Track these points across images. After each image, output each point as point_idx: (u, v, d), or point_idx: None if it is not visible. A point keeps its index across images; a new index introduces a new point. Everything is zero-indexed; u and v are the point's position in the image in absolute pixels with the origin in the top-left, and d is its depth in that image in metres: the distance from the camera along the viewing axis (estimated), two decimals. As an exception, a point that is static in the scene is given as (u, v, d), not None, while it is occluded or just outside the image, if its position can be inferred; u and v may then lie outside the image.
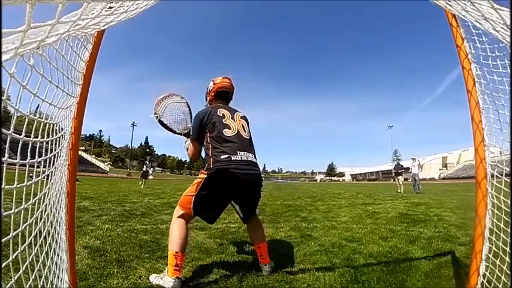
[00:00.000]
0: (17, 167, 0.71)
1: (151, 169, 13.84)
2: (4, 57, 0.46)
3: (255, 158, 1.92)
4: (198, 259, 2.16)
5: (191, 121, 2.22)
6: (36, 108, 0.82)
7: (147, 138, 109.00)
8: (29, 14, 0.42)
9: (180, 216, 1.79)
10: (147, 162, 14.24)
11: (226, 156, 1.77)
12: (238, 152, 1.80)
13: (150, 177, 13.27)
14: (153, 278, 1.69)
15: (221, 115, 1.93)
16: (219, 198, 1.82)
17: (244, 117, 2.06)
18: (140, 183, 13.03)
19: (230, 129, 1.88)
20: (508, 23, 0.66)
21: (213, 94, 2.10)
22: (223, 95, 2.11)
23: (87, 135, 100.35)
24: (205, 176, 1.76)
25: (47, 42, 0.55)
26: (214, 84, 2.10)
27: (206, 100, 2.20)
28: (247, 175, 1.79)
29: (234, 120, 1.95)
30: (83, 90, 1.10)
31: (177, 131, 2.22)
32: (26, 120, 0.74)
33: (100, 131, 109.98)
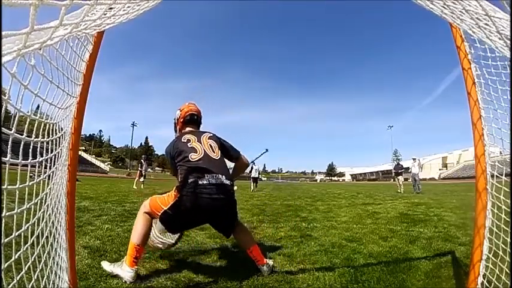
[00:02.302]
0: (19, 167, 0.72)
1: (145, 170, 13.74)
2: (6, 58, 0.46)
3: (227, 178, 1.86)
4: (198, 259, 2.17)
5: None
6: (37, 108, 0.82)
7: (147, 138, 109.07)
8: (33, 17, 0.42)
9: (146, 213, 1.83)
10: (142, 161, 14.22)
11: (192, 180, 1.74)
12: (205, 175, 1.76)
13: (142, 179, 13.22)
14: (108, 266, 1.73)
15: (185, 141, 1.93)
16: (186, 221, 1.84)
17: (213, 137, 2.02)
18: (135, 184, 12.96)
19: (196, 152, 1.86)
20: (502, 31, 0.66)
21: (181, 120, 2.12)
22: (191, 119, 2.12)
23: (87, 135, 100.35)
24: (176, 199, 1.76)
25: (49, 43, 0.55)
26: (180, 111, 2.14)
27: (176, 131, 2.19)
28: (215, 200, 1.75)
29: (200, 142, 1.92)
30: (83, 90, 1.10)
31: (180, 235, 2.15)
32: (28, 120, 0.74)
33: (100, 131, 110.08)
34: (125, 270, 1.67)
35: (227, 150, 2.04)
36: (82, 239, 2.53)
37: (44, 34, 0.52)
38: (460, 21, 0.84)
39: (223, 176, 1.83)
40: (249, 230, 2.09)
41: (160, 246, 2.05)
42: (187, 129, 2.10)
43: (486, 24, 0.70)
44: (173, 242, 2.08)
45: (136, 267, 1.71)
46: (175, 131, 2.20)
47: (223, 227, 1.97)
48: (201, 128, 2.21)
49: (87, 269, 1.80)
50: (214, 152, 1.92)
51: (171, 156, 1.91)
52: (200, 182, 1.73)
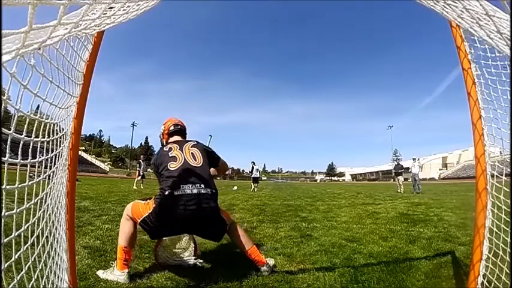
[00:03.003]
0: (18, 167, 0.72)
1: (143, 170, 13.87)
2: (5, 57, 0.46)
3: (207, 186, 1.82)
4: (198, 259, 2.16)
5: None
6: (37, 108, 0.82)
7: (147, 138, 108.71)
8: (31, 16, 0.42)
9: (129, 217, 1.83)
10: (141, 161, 14.31)
11: (169, 192, 1.73)
12: (181, 186, 1.75)
13: (139, 178, 13.31)
14: (102, 273, 1.74)
15: (167, 149, 1.96)
16: (164, 231, 1.84)
17: (196, 145, 2.02)
18: (134, 184, 13.04)
19: (176, 160, 1.86)
20: (502, 31, 0.66)
21: (166, 133, 2.20)
22: (175, 129, 2.18)
23: (87, 135, 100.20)
24: (152, 209, 1.75)
25: (48, 43, 0.55)
26: (164, 125, 2.23)
27: (162, 145, 2.21)
28: (189, 211, 1.73)
29: (182, 150, 1.93)
30: (83, 90, 1.10)
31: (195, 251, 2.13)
32: (27, 120, 0.74)
33: (100, 131, 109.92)
34: (116, 275, 1.69)
35: (209, 156, 2.05)
36: (82, 239, 2.53)
37: (43, 33, 0.52)
38: (460, 19, 0.84)
39: (202, 185, 1.81)
40: (245, 231, 2.06)
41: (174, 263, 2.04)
42: (172, 139, 2.14)
43: (486, 23, 0.70)
44: (189, 260, 2.06)
45: (127, 269, 1.73)
46: (162, 145, 2.23)
47: (207, 236, 1.97)
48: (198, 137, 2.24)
49: (87, 269, 1.81)
50: (195, 160, 1.91)
51: (156, 166, 1.94)
52: (176, 193, 1.73)
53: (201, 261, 2.06)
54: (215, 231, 1.92)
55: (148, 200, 1.84)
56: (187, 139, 2.19)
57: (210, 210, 1.82)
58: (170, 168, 1.83)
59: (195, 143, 2.06)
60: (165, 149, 1.99)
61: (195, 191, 1.77)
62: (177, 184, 1.76)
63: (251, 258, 1.91)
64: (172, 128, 2.18)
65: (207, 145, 2.20)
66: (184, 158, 1.89)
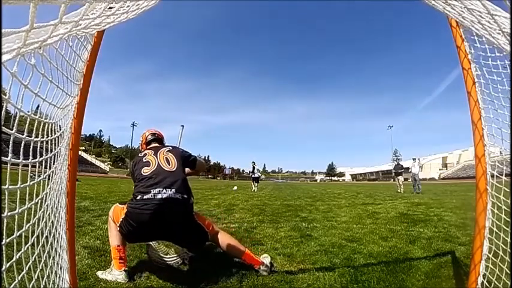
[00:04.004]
0: (20, 167, 0.71)
1: None
2: (6, 56, 0.46)
3: (178, 191, 1.79)
4: (198, 259, 2.16)
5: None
6: (37, 108, 0.82)
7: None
8: (32, 14, 0.42)
9: (112, 219, 1.84)
10: None
11: (140, 196, 1.74)
12: (151, 190, 1.74)
13: None
14: (101, 274, 1.74)
15: (143, 155, 1.98)
16: (138, 236, 1.82)
17: (172, 151, 2.03)
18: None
19: (149, 165, 1.88)
20: (504, 29, 0.66)
21: (144, 142, 2.27)
22: (153, 138, 2.26)
23: (87, 135, 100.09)
24: (125, 213, 1.75)
25: (49, 42, 0.55)
26: (142, 136, 2.34)
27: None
28: (159, 215, 1.71)
29: (156, 156, 1.94)
30: (83, 90, 1.10)
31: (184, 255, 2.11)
32: (28, 120, 0.74)
33: (100, 131, 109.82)
34: (114, 275, 1.70)
35: (185, 160, 2.04)
36: (82, 239, 2.53)
37: (44, 33, 0.52)
38: (462, 18, 0.84)
39: (173, 190, 1.78)
40: (233, 237, 2.03)
41: (164, 265, 2.02)
42: (149, 146, 2.18)
43: (488, 21, 0.70)
44: (176, 261, 2.04)
45: (124, 267, 1.73)
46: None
47: (183, 243, 1.93)
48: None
49: (87, 269, 1.81)
50: (169, 165, 1.91)
51: (132, 173, 1.96)
52: (145, 197, 1.72)
53: (188, 255, 2.06)
54: (190, 238, 1.86)
55: (123, 205, 1.83)
56: (164, 145, 2.22)
57: (180, 216, 1.79)
58: (143, 173, 1.83)
59: (171, 148, 2.07)
60: (140, 155, 2.01)
61: (165, 195, 1.74)
62: (148, 188, 1.76)
63: (247, 263, 1.90)
64: (150, 137, 2.25)
65: (179, 136, 2.20)
66: (158, 163, 1.89)
